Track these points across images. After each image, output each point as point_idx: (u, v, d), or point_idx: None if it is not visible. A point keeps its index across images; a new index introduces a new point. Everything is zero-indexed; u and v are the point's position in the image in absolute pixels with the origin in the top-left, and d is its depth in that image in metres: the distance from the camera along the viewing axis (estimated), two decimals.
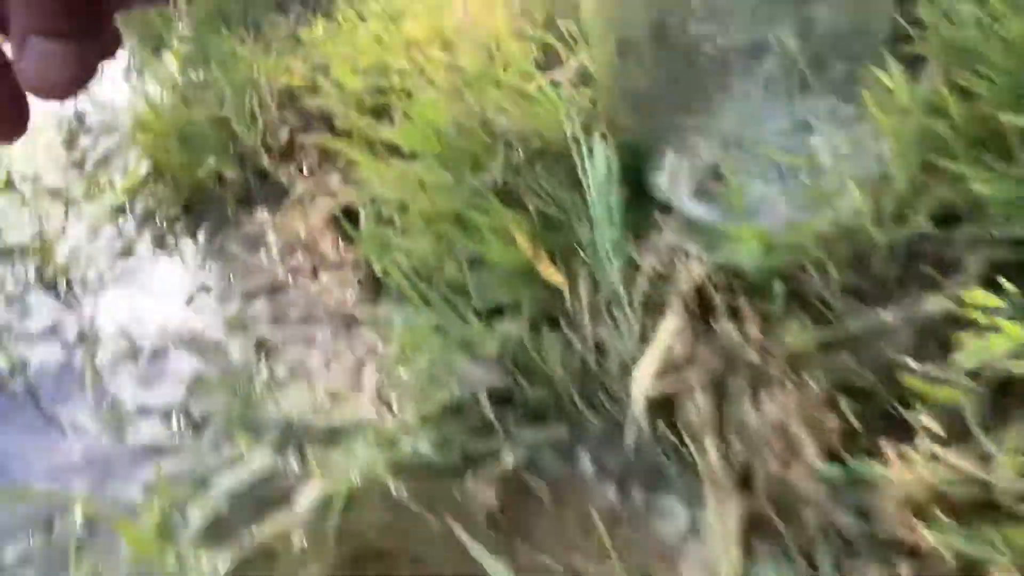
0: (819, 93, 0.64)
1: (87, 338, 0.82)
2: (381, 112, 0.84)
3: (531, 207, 0.67)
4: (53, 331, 0.83)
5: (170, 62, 1.04)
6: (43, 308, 0.87)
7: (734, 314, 0.61)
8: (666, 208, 0.67)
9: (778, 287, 0.60)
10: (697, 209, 0.66)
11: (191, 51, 1.02)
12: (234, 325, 0.78)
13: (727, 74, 0.66)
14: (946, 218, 0.60)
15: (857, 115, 0.62)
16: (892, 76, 0.60)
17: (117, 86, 1.18)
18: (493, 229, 0.67)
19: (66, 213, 0.98)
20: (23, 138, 0.24)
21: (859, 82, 0.61)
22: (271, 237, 0.85)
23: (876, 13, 0.60)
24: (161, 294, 0.84)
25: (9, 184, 1.02)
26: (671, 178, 0.67)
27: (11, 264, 0.94)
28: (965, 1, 0.61)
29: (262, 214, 0.87)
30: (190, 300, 0.83)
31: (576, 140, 0.69)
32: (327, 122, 0.87)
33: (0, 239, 0.97)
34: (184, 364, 0.76)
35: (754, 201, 0.65)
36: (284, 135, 0.88)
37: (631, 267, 0.64)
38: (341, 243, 0.81)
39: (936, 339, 0.57)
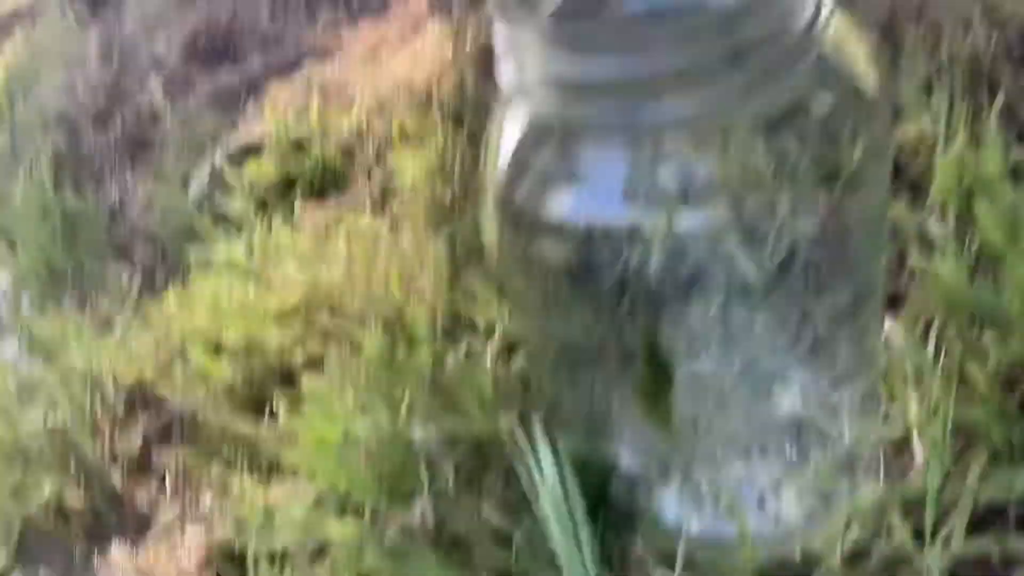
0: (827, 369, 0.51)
1: None
2: (259, 406, 0.68)
3: (476, 553, 0.51)
4: None
5: None
6: None
7: None
8: (648, 528, 0.52)
9: None
10: (689, 523, 0.52)
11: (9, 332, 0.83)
12: None
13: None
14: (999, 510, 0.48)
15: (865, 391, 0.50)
16: (907, 348, 0.48)
17: None
18: None
19: None
20: None
21: (861, 353, 0.49)
22: None
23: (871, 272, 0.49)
24: None
25: None
26: (662, 495, 0.53)
27: None
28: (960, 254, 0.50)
29: (118, 551, 0.68)
30: None
31: (516, 443, 0.54)
32: (191, 422, 0.70)
33: None
34: None
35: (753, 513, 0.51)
36: (137, 444, 0.70)
37: None
38: None
39: None
